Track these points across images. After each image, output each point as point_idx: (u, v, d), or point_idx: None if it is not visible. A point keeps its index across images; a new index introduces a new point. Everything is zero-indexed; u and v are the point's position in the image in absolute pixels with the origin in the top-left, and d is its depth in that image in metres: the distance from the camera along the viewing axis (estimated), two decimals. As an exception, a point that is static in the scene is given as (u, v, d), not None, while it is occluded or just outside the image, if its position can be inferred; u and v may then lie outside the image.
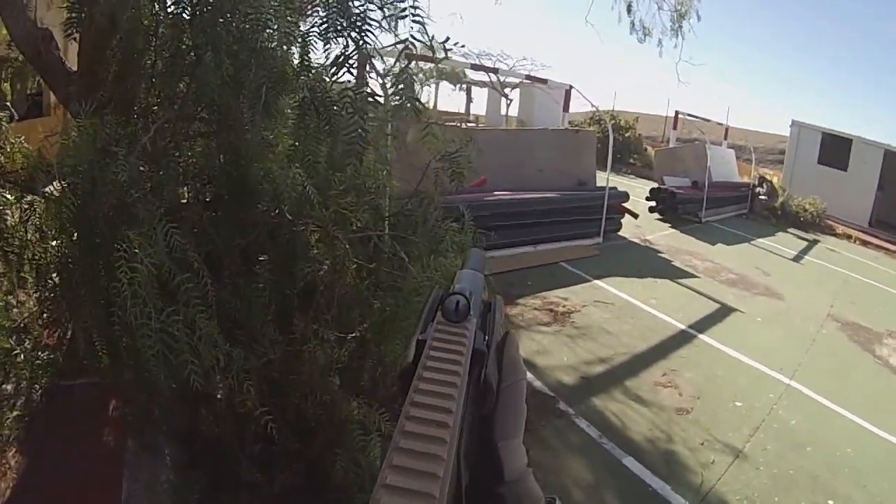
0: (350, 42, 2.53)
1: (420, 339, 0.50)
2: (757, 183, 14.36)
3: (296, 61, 2.82)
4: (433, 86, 20.98)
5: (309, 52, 2.78)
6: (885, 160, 15.98)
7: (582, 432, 4.09)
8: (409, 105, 2.63)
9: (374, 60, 2.82)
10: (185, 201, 2.95)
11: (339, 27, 2.49)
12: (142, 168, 2.17)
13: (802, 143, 17.78)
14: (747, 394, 5.04)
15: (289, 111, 2.86)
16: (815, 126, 17.75)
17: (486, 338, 0.54)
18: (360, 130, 2.57)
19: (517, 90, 22.84)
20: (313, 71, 2.75)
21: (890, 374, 6.22)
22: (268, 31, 2.53)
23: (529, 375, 4.51)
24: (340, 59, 2.57)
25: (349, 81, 2.72)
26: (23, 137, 2.79)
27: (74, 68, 3.17)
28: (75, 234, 2.24)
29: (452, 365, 0.45)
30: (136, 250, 1.82)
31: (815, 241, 13.80)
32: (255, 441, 2.56)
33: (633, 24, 10.12)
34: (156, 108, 2.98)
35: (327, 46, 2.59)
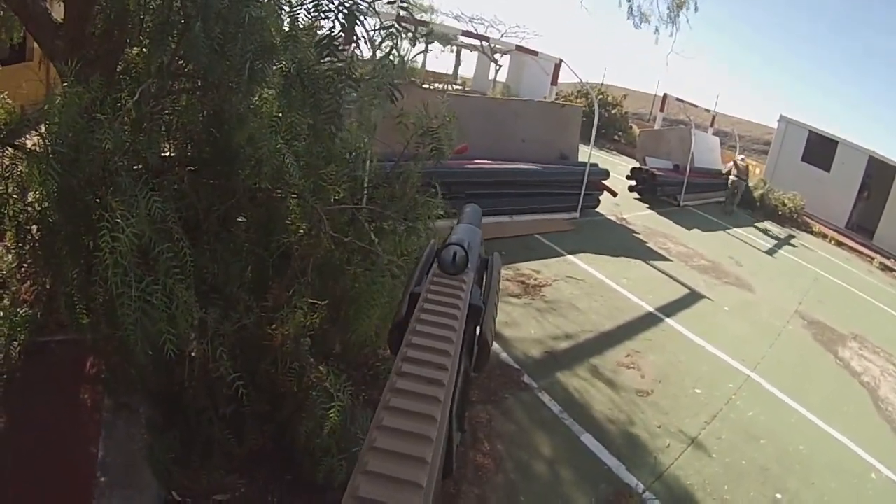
0: (337, 23, 2.54)
1: (414, 291, 0.49)
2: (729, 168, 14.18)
3: (284, 31, 2.81)
4: (423, 46, 20.67)
5: (297, 24, 2.78)
6: (868, 165, 16.11)
7: (544, 406, 4.16)
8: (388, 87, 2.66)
9: (362, 29, 2.81)
10: (166, 154, 2.94)
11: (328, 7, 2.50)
12: (126, 130, 2.18)
13: (788, 139, 17.89)
14: (708, 382, 5.15)
15: (273, 80, 2.86)
16: (803, 124, 17.82)
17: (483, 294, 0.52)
18: (336, 111, 2.60)
19: (507, 56, 22.57)
20: (300, 42, 2.75)
21: (849, 376, 6.35)
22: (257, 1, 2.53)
23: (496, 346, 4.60)
24: (325, 41, 2.57)
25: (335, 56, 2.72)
26: (6, 93, 2.75)
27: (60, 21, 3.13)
28: (57, 195, 2.25)
29: (448, 319, 0.43)
30: (119, 220, 1.86)
31: (791, 237, 13.98)
32: (228, 403, 2.61)
33: (630, 9, 10.12)
34: (141, 68, 2.97)
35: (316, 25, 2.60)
